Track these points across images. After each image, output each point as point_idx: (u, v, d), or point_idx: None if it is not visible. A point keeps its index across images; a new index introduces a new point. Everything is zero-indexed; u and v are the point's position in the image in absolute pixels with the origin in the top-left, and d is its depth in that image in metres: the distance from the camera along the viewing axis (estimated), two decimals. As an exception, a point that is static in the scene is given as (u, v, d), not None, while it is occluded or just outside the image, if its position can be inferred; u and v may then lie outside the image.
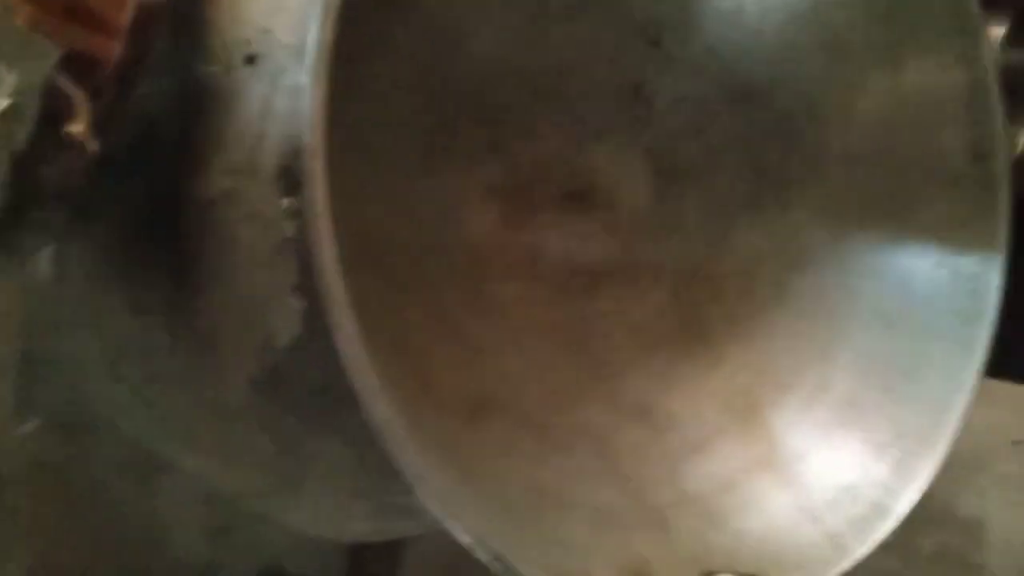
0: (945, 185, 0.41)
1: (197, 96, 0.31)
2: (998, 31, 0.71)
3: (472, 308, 0.35)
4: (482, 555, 0.24)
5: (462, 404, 0.32)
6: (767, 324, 0.42)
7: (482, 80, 0.36)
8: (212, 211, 0.30)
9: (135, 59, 0.32)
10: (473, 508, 0.25)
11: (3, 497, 0.35)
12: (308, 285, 0.26)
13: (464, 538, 0.24)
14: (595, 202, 0.40)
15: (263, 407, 0.32)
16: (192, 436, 0.35)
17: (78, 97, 0.30)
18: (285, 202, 0.28)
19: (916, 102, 0.41)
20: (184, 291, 0.32)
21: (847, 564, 0.34)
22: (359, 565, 0.41)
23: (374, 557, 0.41)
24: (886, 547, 0.35)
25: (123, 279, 0.33)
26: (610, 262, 0.40)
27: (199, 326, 0.32)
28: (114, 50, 0.32)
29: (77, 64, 0.31)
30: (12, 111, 0.28)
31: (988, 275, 0.40)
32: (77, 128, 0.29)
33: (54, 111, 0.29)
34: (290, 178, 0.28)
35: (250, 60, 0.30)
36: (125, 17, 0.33)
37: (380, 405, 0.22)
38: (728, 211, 0.43)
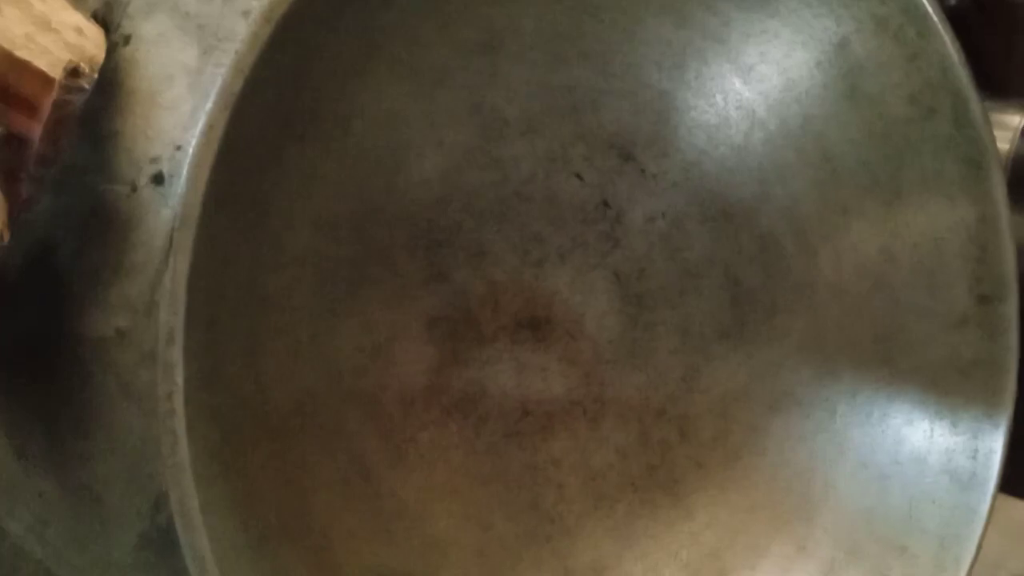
0: (946, 329, 0.37)
1: (98, 218, 0.28)
2: (1016, 120, 0.68)
3: (397, 462, 0.30)
4: None
5: (375, 584, 0.28)
6: (742, 473, 0.37)
7: (423, 203, 0.32)
8: (104, 351, 0.26)
9: (46, 161, 0.29)
10: None
11: None
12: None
13: None
14: (554, 332, 0.36)
15: (152, 569, 0.28)
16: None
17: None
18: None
19: (917, 232, 0.37)
20: (69, 439, 0.28)
21: None
22: None
23: None
24: None
25: (4, 420, 0.30)
26: (569, 400, 0.36)
27: (84, 477, 0.28)
28: (37, 133, 0.29)
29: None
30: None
31: (991, 435, 0.35)
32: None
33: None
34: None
35: (157, 180, 0.27)
36: (49, 102, 0.31)
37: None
38: (704, 342, 0.39)
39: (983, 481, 0.35)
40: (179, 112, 0.26)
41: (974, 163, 0.36)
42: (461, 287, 0.33)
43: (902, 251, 0.38)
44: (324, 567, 0.27)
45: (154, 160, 0.27)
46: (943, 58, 0.35)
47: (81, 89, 0.32)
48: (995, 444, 0.35)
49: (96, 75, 0.32)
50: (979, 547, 0.34)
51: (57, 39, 0.30)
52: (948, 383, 0.36)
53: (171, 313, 0.18)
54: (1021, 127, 0.65)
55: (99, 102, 0.30)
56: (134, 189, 0.27)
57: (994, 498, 0.35)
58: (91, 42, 0.36)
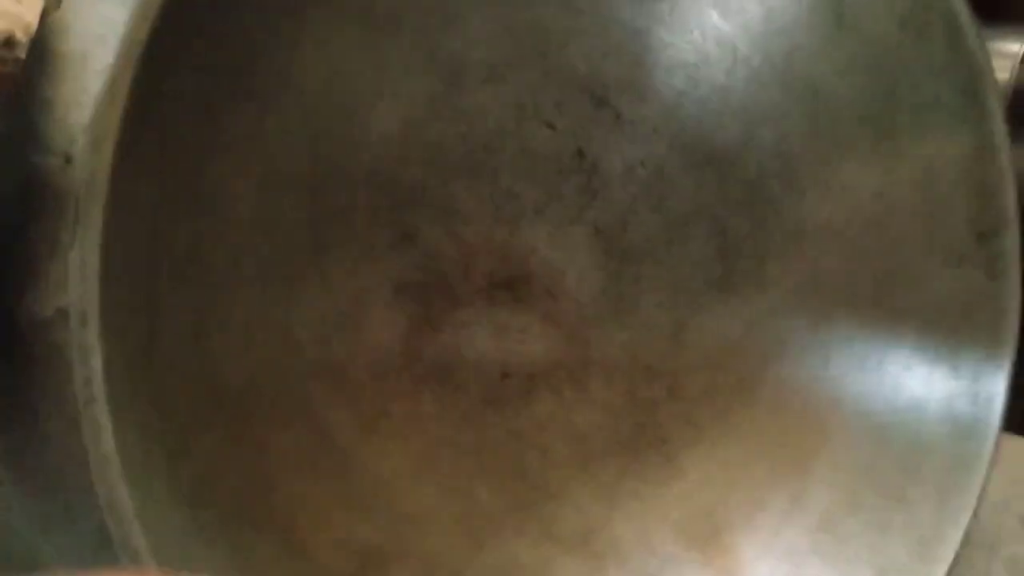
0: (944, 268, 0.35)
1: (33, 192, 0.26)
2: (1016, 47, 0.65)
3: (369, 436, 0.29)
4: None
5: (346, 560, 0.27)
6: (735, 427, 0.36)
7: (384, 160, 0.30)
8: (46, 332, 0.25)
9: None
10: None
11: None
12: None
13: None
14: (532, 291, 0.34)
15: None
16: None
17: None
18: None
19: (912, 168, 0.35)
20: (19, 424, 0.26)
21: None
22: None
23: None
24: None
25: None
26: (552, 361, 0.35)
27: (39, 463, 0.27)
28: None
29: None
30: None
31: (992, 378, 0.34)
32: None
33: None
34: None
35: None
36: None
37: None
38: (692, 294, 0.37)
39: (985, 427, 0.33)
40: (111, 75, 0.25)
41: (970, 91, 0.34)
42: (430, 248, 0.32)
43: (896, 188, 0.36)
44: (291, 546, 0.25)
45: (86, 128, 0.25)
46: (933, -23, 0.32)
47: (16, 59, 0.30)
48: (997, 387, 0.33)
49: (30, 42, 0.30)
50: (982, 494, 0.33)
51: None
52: (947, 325, 0.35)
53: (81, 293, 0.16)
54: (1021, 55, 0.62)
55: (32, 69, 0.28)
56: (68, 160, 0.25)
57: (997, 444, 0.33)
58: (29, 9, 0.34)
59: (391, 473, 0.29)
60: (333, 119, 0.28)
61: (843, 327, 0.36)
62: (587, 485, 0.34)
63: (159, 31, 0.18)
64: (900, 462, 0.34)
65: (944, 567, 0.32)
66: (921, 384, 0.35)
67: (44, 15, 0.30)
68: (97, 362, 0.17)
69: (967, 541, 0.32)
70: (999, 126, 0.33)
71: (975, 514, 0.33)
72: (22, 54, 0.30)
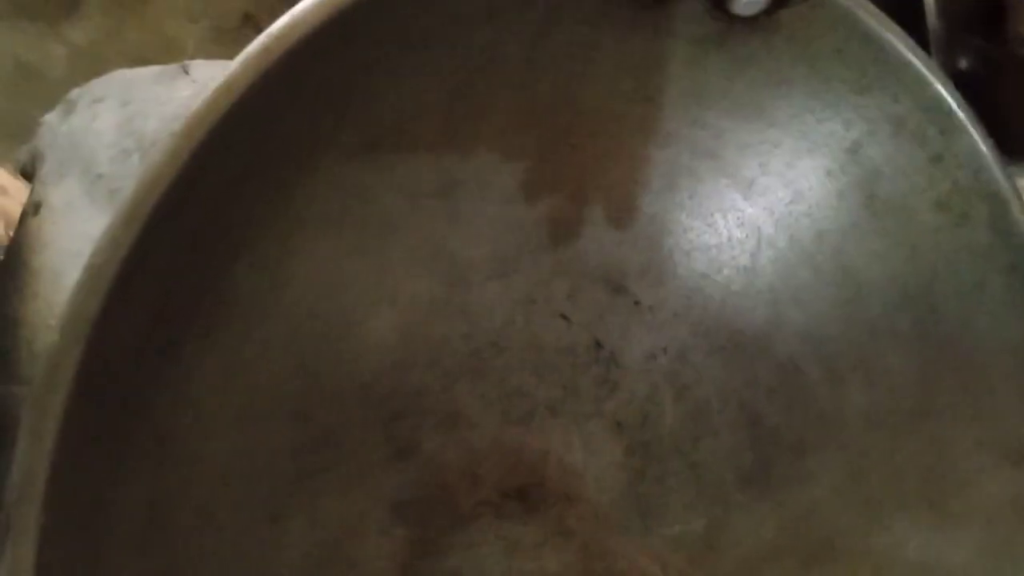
0: (1001, 463, 0.32)
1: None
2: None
3: None
4: None
5: None
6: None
7: (380, 371, 0.27)
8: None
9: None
10: None
11: None
12: None
13: None
14: (547, 498, 0.31)
15: None
16: None
17: None
18: None
19: (959, 352, 0.32)
20: None
21: None
22: None
23: None
24: None
25: None
26: None
27: None
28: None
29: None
30: None
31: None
32: None
33: None
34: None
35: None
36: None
37: None
38: (724, 491, 0.33)
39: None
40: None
41: (1020, 272, 0.31)
42: (431, 460, 0.29)
43: (943, 373, 0.33)
44: None
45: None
46: (973, 158, 0.30)
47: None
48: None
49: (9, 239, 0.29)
50: None
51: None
52: (1004, 530, 0.31)
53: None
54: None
55: (4, 283, 0.26)
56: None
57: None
58: (14, 200, 0.32)
59: None
60: (324, 335, 0.25)
61: (895, 530, 0.32)
62: None
63: (111, 296, 0.16)
64: None
65: None
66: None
67: (22, 220, 0.29)
68: None
69: None
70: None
71: None
72: (1, 255, 0.29)
